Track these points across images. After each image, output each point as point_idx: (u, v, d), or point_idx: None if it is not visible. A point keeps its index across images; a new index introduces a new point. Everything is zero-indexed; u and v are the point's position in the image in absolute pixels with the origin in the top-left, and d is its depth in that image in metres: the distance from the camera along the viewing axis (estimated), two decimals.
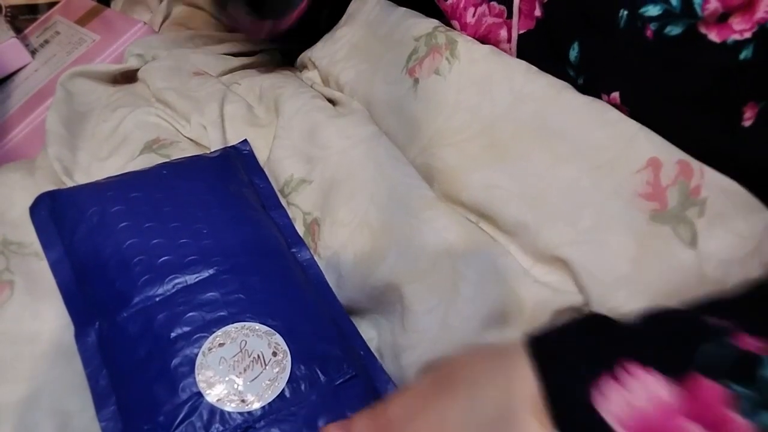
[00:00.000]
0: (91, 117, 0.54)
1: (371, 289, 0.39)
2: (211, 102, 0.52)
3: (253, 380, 0.33)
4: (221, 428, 0.32)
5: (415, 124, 0.45)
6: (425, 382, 0.33)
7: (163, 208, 0.39)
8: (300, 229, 0.44)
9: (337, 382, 0.34)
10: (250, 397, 0.33)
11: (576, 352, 0.30)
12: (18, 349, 0.37)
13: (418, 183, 0.42)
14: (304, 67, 0.60)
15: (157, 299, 0.36)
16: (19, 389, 0.36)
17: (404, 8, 0.51)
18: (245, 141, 0.49)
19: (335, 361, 0.35)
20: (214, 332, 0.35)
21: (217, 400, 0.33)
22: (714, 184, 0.35)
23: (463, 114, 0.43)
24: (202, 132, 0.50)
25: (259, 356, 0.34)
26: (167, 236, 0.38)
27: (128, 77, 0.60)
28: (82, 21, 0.78)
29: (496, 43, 0.45)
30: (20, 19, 0.86)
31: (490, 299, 0.37)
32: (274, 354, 0.34)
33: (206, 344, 0.34)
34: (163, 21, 0.76)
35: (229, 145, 0.49)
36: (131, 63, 0.60)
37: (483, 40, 0.45)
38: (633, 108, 0.38)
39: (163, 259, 0.37)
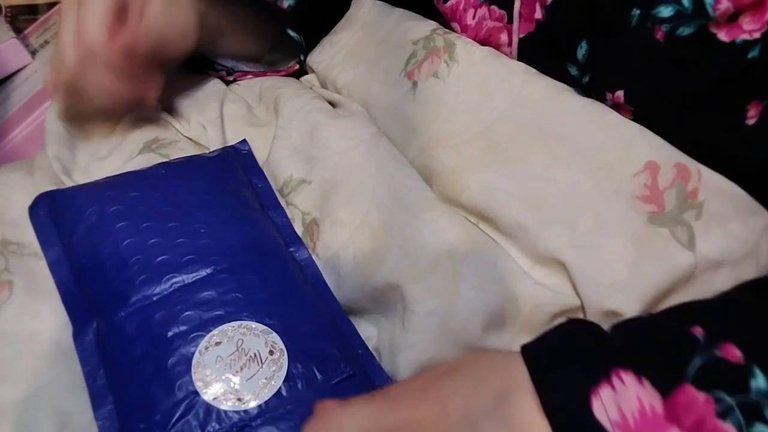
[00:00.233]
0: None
1: (372, 290, 0.40)
2: (210, 101, 0.53)
3: (249, 379, 0.34)
4: (217, 427, 0.33)
5: (413, 127, 0.46)
6: (424, 374, 0.35)
7: (161, 207, 0.40)
8: (299, 229, 0.45)
9: (334, 381, 0.35)
10: (246, 396, 0.34)
11: (573, 362, 0.31)
12: (17, 349, 0.38)
13: (419, 184, 0.43)
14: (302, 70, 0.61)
15: (155, 298, 0.37)
16: (18, 389, 0.37)
17: (401, 10, 0.52)
18: (244, 141, 0.50)
19: (332, 360, 0.36)
20: (210, 331, 0.36)
21: (214, 399, 0.34)
22: (712, 186, 0.36)
23: (462, 116, 0.44)
24: (201, 131, 0.51)
25: (255, 355, 0.35)
26: (165, 236, 0.39)
27: None
28: None
29: (497, 47, 0.46)
30: (20, 19, 0.87)
31: (489, 302, 0.38)
32: (271, 353, 0.35)
33: (203, 343, 0.35)
34: None
35: (229, 144, 0.50)
36: None
37: (484, 42, 0.47)
38: (637, 107, 0.39)
39: (161, 258, 0.38)
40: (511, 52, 0.45)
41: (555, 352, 0.32)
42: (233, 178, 0.45)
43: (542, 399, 0.30)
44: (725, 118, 0.37)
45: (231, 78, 0.59)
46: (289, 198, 0.47)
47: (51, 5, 0.86)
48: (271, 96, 0.53)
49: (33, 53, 0.78)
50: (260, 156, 0.50)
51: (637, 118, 0.39)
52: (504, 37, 0.45)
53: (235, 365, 0.35)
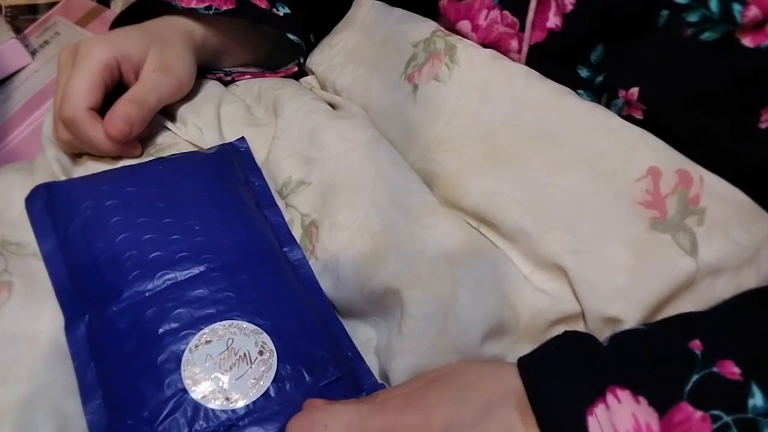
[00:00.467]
0: None
1: (370, 293, 0.41)
2: (207, 103, 0.54)
3: (238, 378, 0.35)
4: (205, 425, 0.34)
5: (414, 130, 0.47)
6: (415, 379, 0.36)
7: (156, 203, 0.41)
8: (297, 231, 0.46)
9: (323, 383, 0.36)
10: (234, 395, 0.35)
11: (569, 378, 0.32)
12: (16, 350, 0.39)
13: (420, 187, 0.44)
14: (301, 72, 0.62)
15: (147, 294, 0.38)
16: (17, 390, 0.37)
17: (401, 10, 0.53)
18: (242, 138, 0.51)
19: (321, 362, 0.37)
20: (201, 329, 0.36)
21: (202, 397, 0.34)
22: (714, 192, 0.37)
23: (463, 120, 0.45)
24: (198, 134, 0.52)
25: (245, 355, 0.36)
26: (159, 232, 0.40)
27: None
28: (83, 22, 0.82)
29: (505, 52, 0.47)
30: (20, 19, 0.89)
31: (488, 308, 0.38)
32: (261, 353, 0.36)
33: (193, 341, 0.36)
34: None
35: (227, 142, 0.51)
36: None
37: (492, 46, 0.47)
38: (650, 105, 0.40)
39: (155, 254, 0.39)
40: (520, 59, 0.46)
41: (550, 368, 0.32)
42: (230, 176, 0.46)
43: (537, 416, 0.31)
44: (738, 119, 0.37)
45: (229, 78, 0.60)
46: (289, 199, 0.47)
47: (51, 5, 0.88)
48: (270, 96, 0.53)
49: (33, 53, 0.79)
50: (259, 156, 0.51)
51: (648, 117, 0.40)
52: (514, 44, 0.46)
53: (225, 364, 0.35)
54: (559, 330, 0.39)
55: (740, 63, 0.36)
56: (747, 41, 0.35)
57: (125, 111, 0.48)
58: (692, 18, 0.37)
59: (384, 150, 0.46)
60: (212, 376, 0.35)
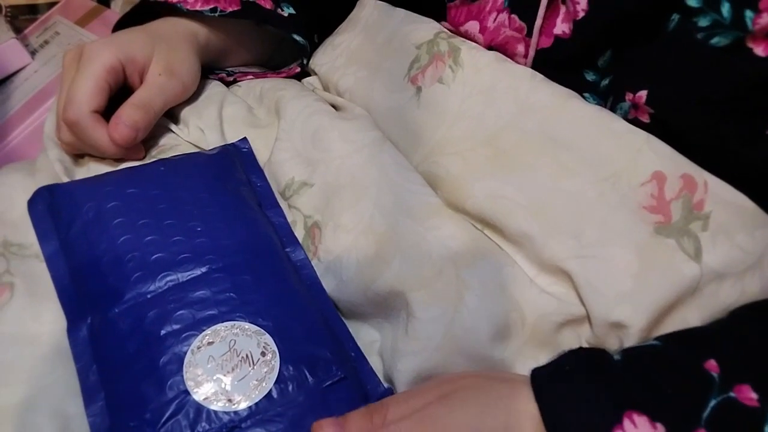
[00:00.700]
0: None
1: (374, 295, 0.41)
2: (209, 105, 0.55)
3: (240, 380, 0.36)
4: (207, 427, 0.34)
5: (417, 132, 0.47)
6: (426, 389, 0.35)
7: (158, 205, 0.42)
8: (300, 232, 0.47)
9: (326, 384, 0.37)
10: (237, 397, 0.35)
11: (586, 403, 0.32)
12: (18, 351, 0.39)
13: (424, 189, 0.45)
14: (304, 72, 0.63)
15: (149, 296, 0.39)
16: (19, 391, 0.38)
17: (404, 11, 0.53)
18: (244, 139, 0.51)
19: (324, 362, 0.37)
20: (203, 331, 0.37)
21: (204, 399, 0.35)
22: (718, 197, 0.38)
23: (468, 122, 0.45)
24: (200, 135, 0.53)
25: (247, 356, 0.36)
26: (161, 233, 0.41)
27: None
28: (82, 22, 0.83)
29: (511, 56, 0.48)
30: (20, 19, 0.90)
31: (494, 310, 0.39)
32: (263, 354, 0.37)
33: (195, 342, 0.37)
34: None
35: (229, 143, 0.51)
36: None
37: (499, 49, 0.48)
38: (657, 108, 0.41)
39: (156, 256, 0.40)
40: (526, 64, 0.47)
41: (567, 394, 0.32)
42: (232, 177, 0.47)
43: None
44: (745, 125, 0.38)
45: (231, 79, 0.61)
46: (291, 201, 0.48)
47: (51, 5, 0.89)
48: (272, 97, 0.54)
49: (33, 53, 0.80)
50: (261, 157, 0.52)
51: (655, 120, 0.41)
52: (520, 48, 0.47)
53: (227, 366, 0.36)
54: (567, 333, 0.39)
55: (750, 70, 0.36)
56: (759, 51, 0.35)
57: (131, 116, 0.48)
58: (703, 22, 0.37)
59: (387, 152, 0.47)
60: (214, 377, 0.36)
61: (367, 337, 0.43)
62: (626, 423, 0.30)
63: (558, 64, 0.45)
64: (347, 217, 0.44)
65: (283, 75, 0.62)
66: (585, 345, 0.39)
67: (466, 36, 0.50)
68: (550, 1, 0.44)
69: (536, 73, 0.45)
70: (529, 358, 0.39)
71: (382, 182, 0.45)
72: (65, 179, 0.49)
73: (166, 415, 0.35)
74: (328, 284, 0.43)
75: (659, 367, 0.33)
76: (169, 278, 0.39)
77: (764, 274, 0.37)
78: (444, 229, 0.42)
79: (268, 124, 0.54)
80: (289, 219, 0.48)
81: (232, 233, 0.42)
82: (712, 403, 0.30)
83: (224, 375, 0.36)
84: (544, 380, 0.34)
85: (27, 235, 0.44)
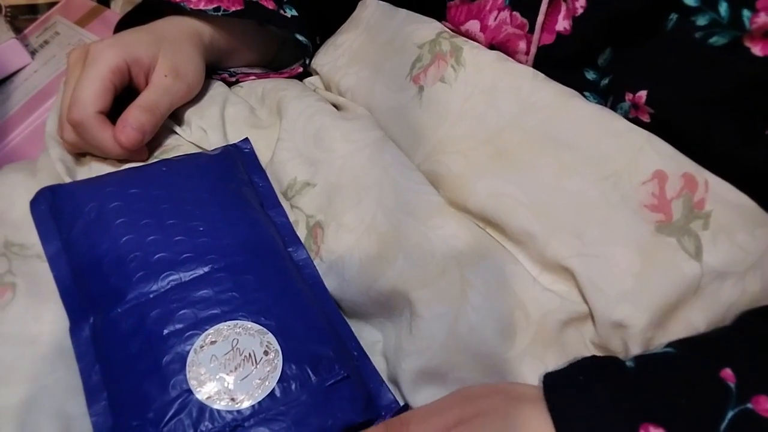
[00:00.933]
0: None
1: (377, 294, 0.42)
2: (211, 105, 0.55)
3: (243, 379, 0.36)
4: (210, 426, 0.35)
5: (419, 132, 0.48)
6: (447, 407, 0.35)
7: (160, 205, 0.43)
8: (302, 232, 0.47)
9: (329, 383, 0.37)
10: (240, 396, 0.36)
11: (602, 418, 0.32)
12: (19, 351, 0.40)
13: (426, 188, 0.45)
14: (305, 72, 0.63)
15: (151, 296, 0.39)
16: (20, 392, 0.38)
17: (406, 11, 0.54)
18: (246, 139, 0.52)
19: (327, 361, 0.38)
20: (206, 330, 0.38)
21: (207, 398, 0.36)
22: (719, 196, 0.38)
23: (469, 122, 0.46)
24: (202, 135, 0.53)
25: (250, 355, 0.37)
26: (163, 233, 0.41)
27: None
28: (82, 22, 0.83)
29: (513, 54, 0.48)
30: (20, 19, 0.91)
31: (498, 308, 0.39)
32: (266, 353, 0.37)
33: (198, 342, 0.37)
34: None
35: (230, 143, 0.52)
36: None
37: (500, 46, 0.48)
38: (657, 108, 0.41)
39: (159, 255, 0.40)
40: (527, 61, 0.47)
41: (584, 408, 0.32)
42: (234, 177, 0.48)
43: None
44: (745, 124, 0.38)
45: (233, 79, 0.61)
46: (294, 201, 0.48)
47: (51, 5, 0.90)
48: (274, 98, 0.55)
49: (33, 53, 0.81)
50: (263, 157, 0.52)
51: (655, 120, 0.41)
52: (522, 45, 0.47)
53: (230, 365, 0.37)
54: (571, 333, 0.40)
55: (748, 70, 0.36)
56: (757, 50, 0.36)
57: (138, 119, 0.49)
58: (701, 21, 0.38)
59: (389, 151, 0.47)
60: (217, 376, 0.36)
61: (369, 337, 0.43)
62: None
63: (559, 61, 0.45)
64: (350, 216, 0.45)
65: (286, 75, 0.62)
66: (589, 345, 0.40)
67: (467, 35, 0.50)
68: None
69: (538, 72, 0.45)
70: (535, 359, 0.39)
71: (385, 181, 0.45)
72: (67, 179, 0.49)
73: (169, 414, 0.35)
74: (331, 284, 0.44)
75: (675, 376, 0.33)
76: (171, 278, 0.40)
77: (765, 274, 0.37)
78: (447, 228, 0.42)
79: (270, 124, 0.54)
80: (292, 219, 0.48)
81: (234, 233, 0.43)
82: (730, 414, 0.30)
83: (227, 374, 0.36)
84: (558, 397, 0.34)
85: (28, 235, 0.45)
